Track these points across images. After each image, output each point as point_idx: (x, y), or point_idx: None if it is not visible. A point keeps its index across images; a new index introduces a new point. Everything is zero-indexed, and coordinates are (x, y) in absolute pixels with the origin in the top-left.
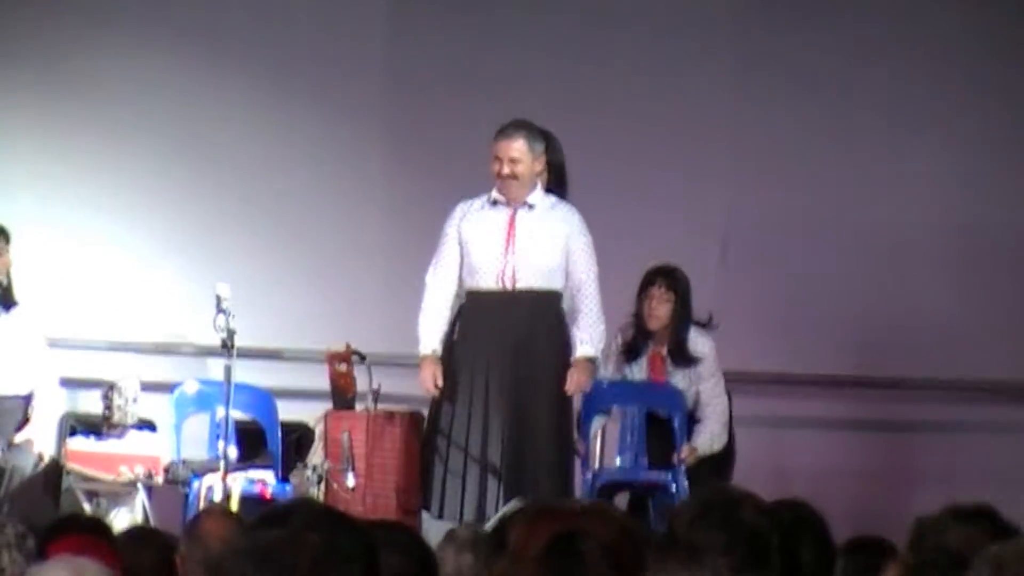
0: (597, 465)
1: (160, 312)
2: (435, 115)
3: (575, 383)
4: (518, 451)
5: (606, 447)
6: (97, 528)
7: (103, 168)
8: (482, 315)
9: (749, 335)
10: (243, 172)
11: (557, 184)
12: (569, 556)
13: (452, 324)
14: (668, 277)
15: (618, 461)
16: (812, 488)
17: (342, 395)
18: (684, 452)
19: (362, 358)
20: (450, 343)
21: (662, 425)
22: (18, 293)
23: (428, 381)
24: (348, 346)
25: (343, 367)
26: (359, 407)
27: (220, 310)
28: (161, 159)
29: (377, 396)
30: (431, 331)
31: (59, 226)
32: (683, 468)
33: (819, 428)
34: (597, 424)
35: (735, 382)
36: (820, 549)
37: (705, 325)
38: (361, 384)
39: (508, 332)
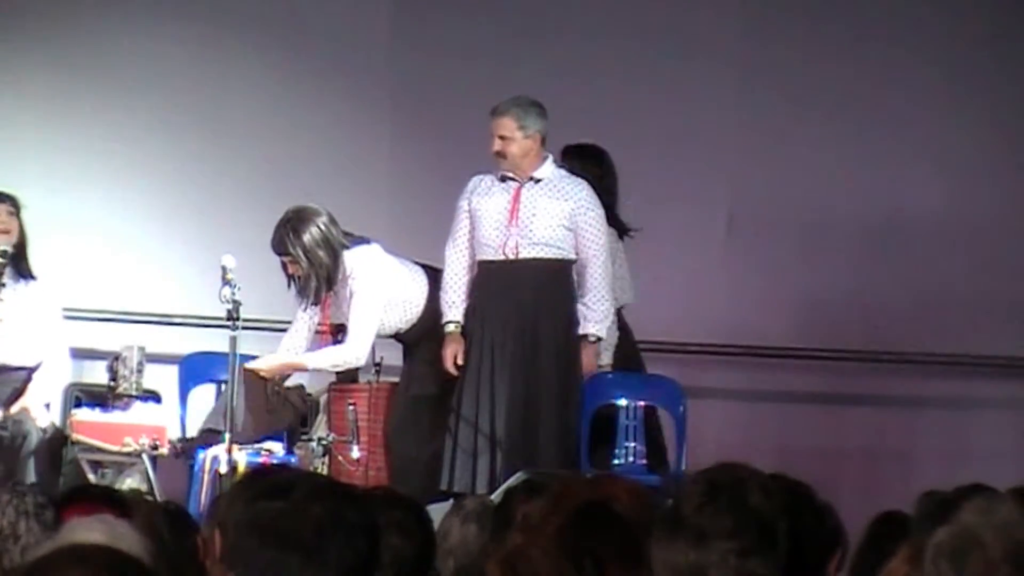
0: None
1: (165, 283)
2: (442, 93)
3: (582, 365)
4: (525, 422)
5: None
6: (111, 498)
7: (110, 139)
8: (488, 286)
9: (754, 310)
10: (250, 144)
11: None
12: (590, 531)
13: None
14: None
15: (615, 460)
16: (821, 465)
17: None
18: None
19: None
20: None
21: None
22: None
23: (449, 360)
24: None
25: None
26: (362, 380)
27: (225, 282)
28: (168, 131)
29: (380, 369)
30: (452, 304)
31: (65, 197)
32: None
33: (825, 404)
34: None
35: (742, 356)
36: (818, 524)
37: None
38: None
39: (512, 302)
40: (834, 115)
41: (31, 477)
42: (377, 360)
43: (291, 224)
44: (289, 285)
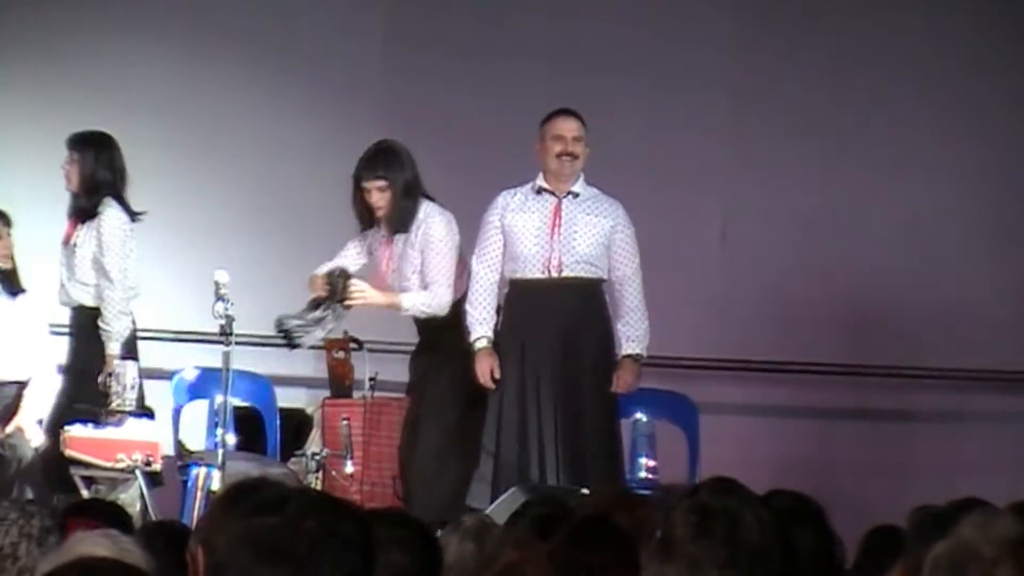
0: None
1: (158, 299)
2: (433, 103)
3: (623, 382)
4: (569, 439)
5: None
6: (114, 513)
7: None
8: (527, 304)
9: (748, 323)
10: (242, 159)
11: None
12: (584, 546)
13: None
14: None
15: (628, 475)
16: (813, 478)
17: (340, 383)
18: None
19: (360, 345)
20: (495, 332)
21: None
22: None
23: (486, 375)
24: (346, 333)
25: (341, 355)
26: (356, 395)
27: (218, 297)
28: (160, 145)
29: (374, 384)
30: (482, 321)
31: (56, 211)
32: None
33: (818, 417)
34: None
35: (736, 370)
36: (818, 539)
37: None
38: (359, 372)
39: (553, 320)
40: (824, 134)
41: (27, 495)
42: (372, 375)
43: (392, 151)
44: (364, 218)
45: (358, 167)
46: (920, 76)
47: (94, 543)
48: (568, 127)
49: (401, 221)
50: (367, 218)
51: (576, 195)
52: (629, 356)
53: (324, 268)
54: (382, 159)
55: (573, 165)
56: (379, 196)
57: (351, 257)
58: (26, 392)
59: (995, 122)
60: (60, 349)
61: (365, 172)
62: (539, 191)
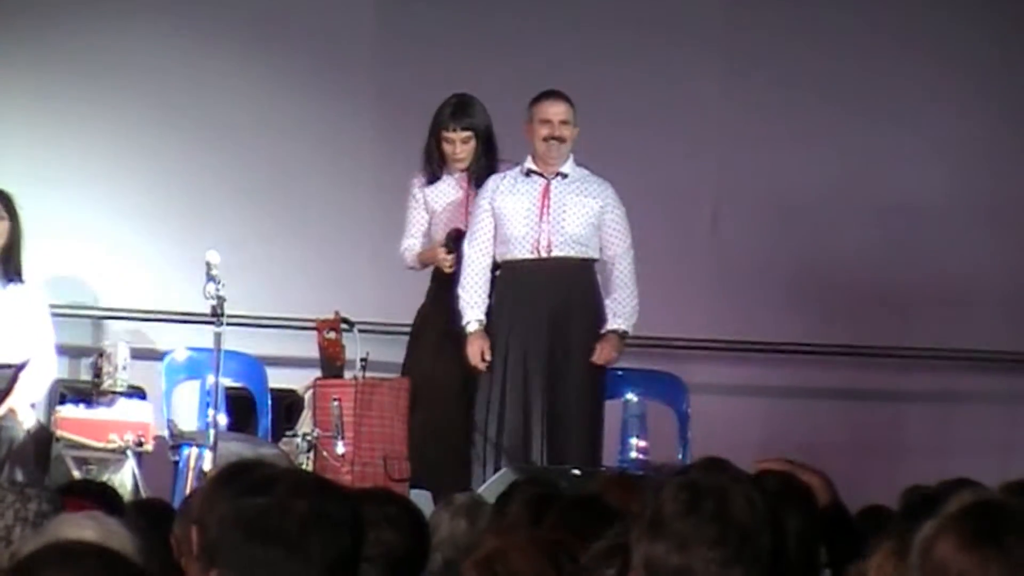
0: None
1: (150, 279)
2: (427, 87)
3: (603, 355)
4: (554, 418)
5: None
6: (106, 494)
7: (93, 137)
8: (517, 284)
9: (740, 305)
10: (234, 139)
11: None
12: (568, 527)
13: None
14: None
15: (619, 456)
16: (804, 458)
17: (331, 363)
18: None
19: (351, 326)
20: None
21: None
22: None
23: (476, 357)
24: (337, 314)
25: (332, 335)
26: (348, 375)
27: (210, 278)
28: (151, 127)
29: (366, 364)
30: (474, 303)
31: (49, 195)
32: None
33: (809, 398)
34: None
35: (727, 351)
36: (804, 521)
37: None
38: (350, 352)
39: (542, 300)
40: (816, 114)
41: (18, 475)
42: (363, 355)
43: (475, 101)
44: (436, 168)
45: (441, 117)
46: (919, 51)
47: (79, 526)
48: (555, 110)
49: (484, 171)
50: (438, 169)
51: (565, 176)
52: (613, 331)
53: (417, 245)
54: (475, 107)
55: (560, 148)
56: (462, 148)
57: (422, 222)
58: (21, 375)
59: (992, 101)
60: (57, 330)
61: (450, 121)
62: (528, 173)
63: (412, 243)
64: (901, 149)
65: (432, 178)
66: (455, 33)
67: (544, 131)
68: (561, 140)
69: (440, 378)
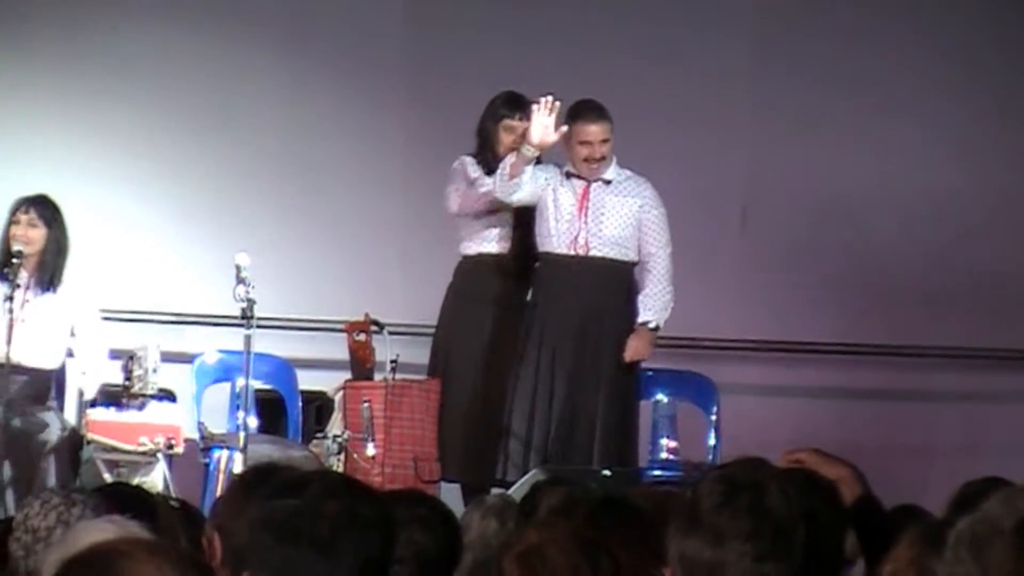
0: None
1: (180, 282)
2: (456, 83)
3: (633, 350)
4: (582, 417)
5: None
6: (139, 498)
7: (121, 138)
8: (554, 279)
9: (770, 304)
10: (263, 142)
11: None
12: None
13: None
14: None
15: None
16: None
17: (361, 365)
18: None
19: (381, 328)
20: (524, 306)
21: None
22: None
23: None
24: (367, 316)
25: (362, 337)
26: (377, 377)
27: (239, 280)
28: (180, 129)
29: (396, 366)
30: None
31: (76, 195)
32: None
33: (841, 398)
34: None
35: (757, 351)
36: (831, 514)
37: None
38: (380, 354)
39: (575, 298)
40: (851, 102)
41: (51, 476)
42: (393, 358)
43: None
44: (495, 159)
45: (501, 107)
46: (950, 51)
47: (101, 531)
48: (594, 131)
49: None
50: (492, 161)
51: (608, 182)
52: (643, 325)
53: (484, 179)
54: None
55: (601, 165)
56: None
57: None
58: (85, 372)
59: None
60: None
61: (507, 111)
62: (568, 175)
63: (485, 180)
64: (933, 147)
65: (489, 169)
66: (485, 34)
67: (584, 152)
68: (604, 160)
69: (474, 348)
